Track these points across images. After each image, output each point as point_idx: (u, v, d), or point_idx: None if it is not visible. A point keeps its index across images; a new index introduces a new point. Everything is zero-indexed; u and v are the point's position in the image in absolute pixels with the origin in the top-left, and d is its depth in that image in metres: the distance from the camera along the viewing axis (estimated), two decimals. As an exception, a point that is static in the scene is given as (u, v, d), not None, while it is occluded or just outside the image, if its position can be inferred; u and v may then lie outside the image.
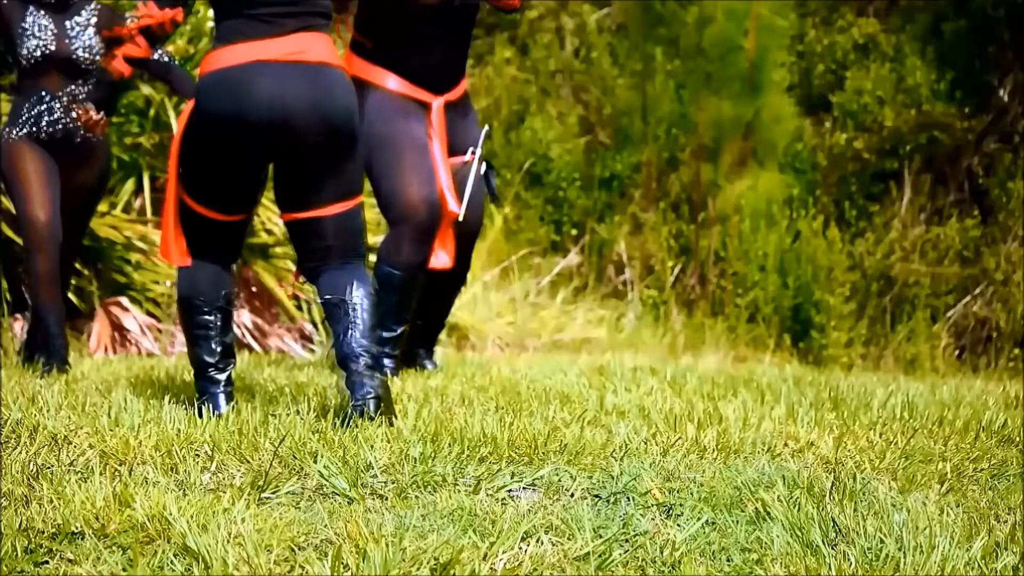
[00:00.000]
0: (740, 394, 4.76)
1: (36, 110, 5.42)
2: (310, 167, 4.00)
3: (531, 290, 10.48)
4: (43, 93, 5.41)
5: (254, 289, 7.74)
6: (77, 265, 7.03)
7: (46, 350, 5.53)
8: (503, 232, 11.05)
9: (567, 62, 12.92)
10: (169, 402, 4.03)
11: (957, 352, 11.37)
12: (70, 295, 6.92)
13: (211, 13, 8.31)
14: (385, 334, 5.56)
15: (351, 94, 4.06)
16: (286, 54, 3.95)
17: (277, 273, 7.74)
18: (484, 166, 5.52)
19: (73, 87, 5.44)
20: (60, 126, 5.42)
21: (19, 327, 6.89)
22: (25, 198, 5.41)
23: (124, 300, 7.14)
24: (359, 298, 4.01)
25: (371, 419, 3.76)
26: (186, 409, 3.95)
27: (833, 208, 12.11)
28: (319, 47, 4.01)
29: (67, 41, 5.43)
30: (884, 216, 12.11)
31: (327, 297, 4.04)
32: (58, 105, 5.42)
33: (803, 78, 12.80)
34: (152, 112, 7.71)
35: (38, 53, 5.40)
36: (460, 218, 5.31)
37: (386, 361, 5.55)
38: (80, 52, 5.44)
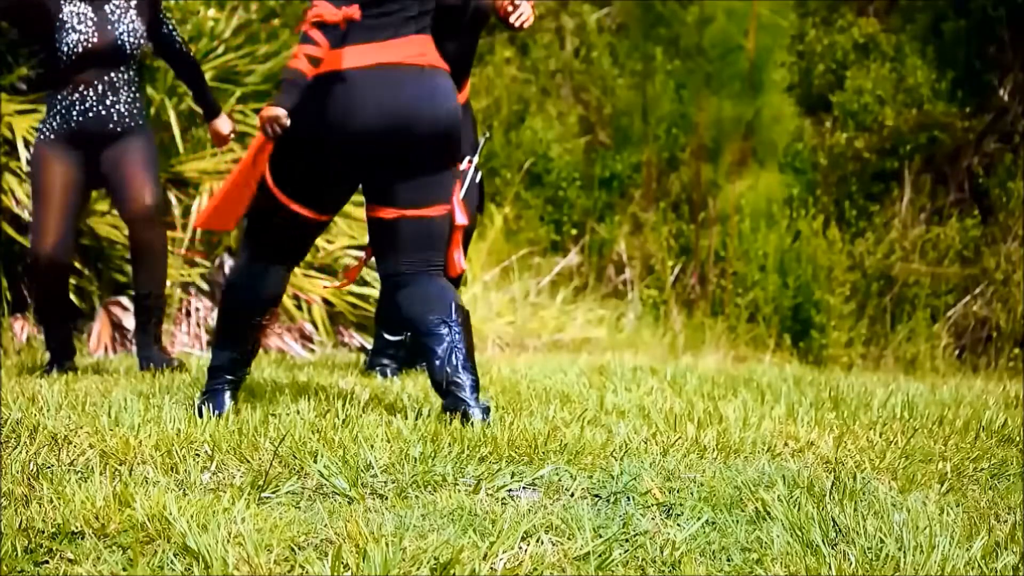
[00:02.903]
0: (740, 394, 4.77)
1: (67, 100, 5.27)
2: (414, 170, 3.95)
3: (531, 290, 10.48)
4: (76, 84, 5.25)
5: (254, 289, 7.74)
6: (77, 264, 7.04)
7: (50, 355, 5.48)
8: (503, 232, 11.05)
9: (567, 62, 12.92)
10: (169, 402, 4.03)
11: (957, 352, 11.37)
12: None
13: (212, 12, 8.33)
14: (389, 337, 5.57)
15: (457, 100, 4.05)
16: (406, 58, 3.92)
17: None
18: (479, 174, 5.52)
19: (113, 74, 5.29)
20: (91, 115, 5.27)
21: (19, 327, 6.90)
22: (40, 217, 5.30)
23: (124, 300, 7.14)
24: (461, 317, 3.94)
25: None
26: (186, 409, 3.95)
27: (833, 208, 12.12)
28: (431, 52, 4.00)
29: (109, 28, 5.27)
30: (884, 216, 12.11)
31: (429, 317, 3.92)
32: (91, 93, 5.26)
33: (803, 78, 12.80)
34: (152, 111, 7.71)
35: (79, 49, 5.23)
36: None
37: (386, 361, 5.57)
38: (125, 37, 5.29)
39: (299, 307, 7.80)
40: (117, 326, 7.03)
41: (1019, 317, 11.19)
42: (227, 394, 4.04)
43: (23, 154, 6.97)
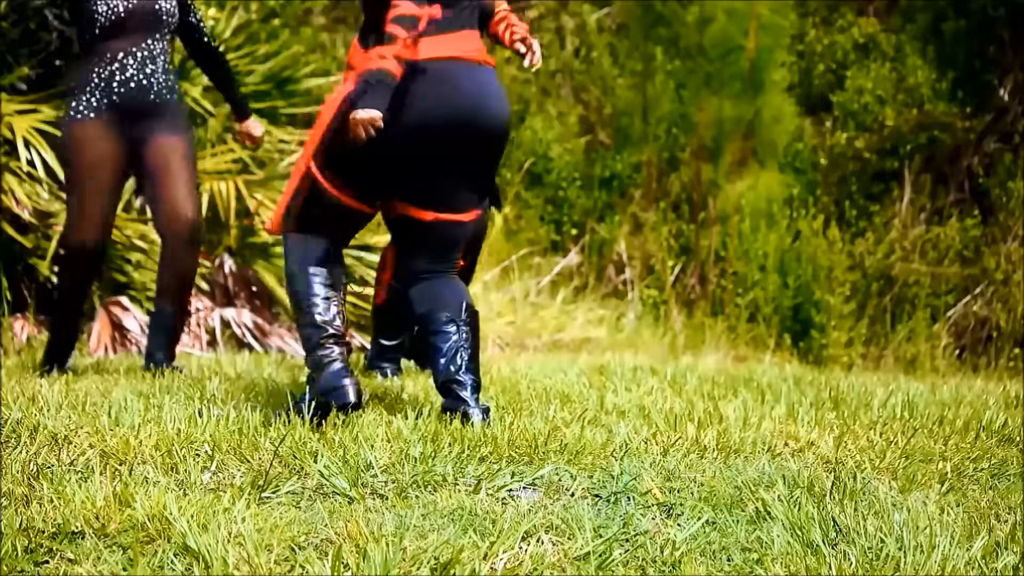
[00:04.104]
0: (740, 394, 4.76)
1: (107, 71, 5.05)
2: (463, 171, 3.86)
3: (531, 290, 10.48)
4: (115, 52, 5.05)
5: (254, 289, 7.74)
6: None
7: (50, 351, 5.34)
8: (503, 232, 11.06)
9: (567, 62, 12.92)
10: (169, 402, 4.02)
11: (957, 352, 11.37)
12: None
13: (212, 12, 8.33)
14: (386, 342, 5.57)
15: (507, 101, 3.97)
16: (465, 52, 3.85)
17: (277, 273, 7.74)
18: None
19: (151, 42, 5.10)
20: (133, 84, 5.07)
21: (19, 327, 6.89)
22: (80, 203, 5.05)
23: (124, 300, 7.14)
24: (470, 318, 3.89)
25: None
26: (186, 409, 3.94)
27: (833, 208, 12.12)
28: (483, 47, 3.94)
29: None
30: (884, 216, 12.12)
31: (439, 314, 3.85)
32: (132, 61, 5.06)
33: (803, 78, 12.80)
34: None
35: (120, 9, 5.04)
36: None
37: (385, 363, 5.56)
38: (163, 3, 5.14)
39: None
40: (117, 326, 7.02)
41: (1019, 317, 11.19)
42: (340, 363, 3.70)
43: (23, 154, 6.97)
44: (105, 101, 5.06)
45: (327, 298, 3.78)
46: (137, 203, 7.59)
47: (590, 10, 12.99)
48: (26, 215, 6.92)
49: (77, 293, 5.29)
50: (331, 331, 3.75)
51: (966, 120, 12.12)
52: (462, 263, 5.33)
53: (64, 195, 7.04)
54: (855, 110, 12.34)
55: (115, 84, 5.06)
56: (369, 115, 3.66)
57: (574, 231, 11.94)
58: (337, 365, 3.70)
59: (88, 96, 5.07)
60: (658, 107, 11.88)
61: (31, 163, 6.99)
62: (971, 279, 11.61)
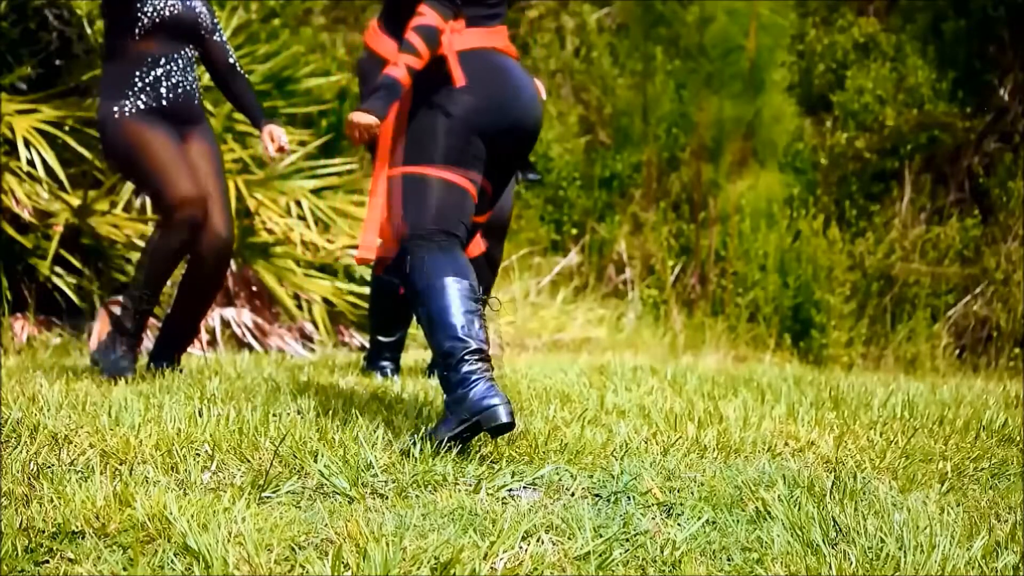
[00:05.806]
0: (740, 393, 4.77)
1: (151, 76, 4.92)
2: (493, 172, 3.79)
3: (531, 290, 10.48)
4: (157, 56, 4.92)
5: (254, 289, 7.74)
6: (77, 263, 7.03)
7: (116, 343, 5.13)
8: (503, 232, 11.04)
9: (567, 62, 12.92)
10: (169, 402, 4.02)
11: (957, 352, 11.38)
12: (70, 294, 6.92)
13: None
14: (384, 339, 5.56)
15: None
16: (505, 46, 3.80)
17: (277, 273, 7.74)
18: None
19: (187, 50, 4.99)
20: (180, 90, 4.95)
21: (19, 327, 6.89)
22: (166, 181, 4.82)
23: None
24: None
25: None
26: (186, 408, 3.94)
27: (833, 208, 12.13)
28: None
29: (189, 2, 5.00)
30: (884, 216, 12.12)
31: None
32: (175, 68, 4.94)
33: (803, 78, 12.81)
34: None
35: (166, 13, 4.91)
36: None
37: (384, 363, 5.56)
38: (204, 11, 5.04)
39: (299, 307, 7.81)
40: (117, 326, 7.01)
41: (1019, 317, 11.19)
42: (487, 381, 3.37)
43: (23, 154, 6.97)
44: (153, 105, 4.93)
45: (469, 311, 3.47)
46: (137, 203, 7.59)
47: (590, 10, 12.99)
48: (26, 215, 6.92)
49: (167, 271, 5.03)
50: (475, 345, 3.41)
51: (966, 120, 12.12)
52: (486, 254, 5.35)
53: (65, 196, 7.06)
54: (855, 110, 12.34)
55: (163, 90, 4.93)
56: (367, 121, 3.59)
57: (574, 231, 11.94)
58: (484, 383, 3.35)
59: (134, 98, 4.91)
60: (658, 107, 11.88)
61: (31, 163, 7.00)
62: (971, 279, 11.61)
